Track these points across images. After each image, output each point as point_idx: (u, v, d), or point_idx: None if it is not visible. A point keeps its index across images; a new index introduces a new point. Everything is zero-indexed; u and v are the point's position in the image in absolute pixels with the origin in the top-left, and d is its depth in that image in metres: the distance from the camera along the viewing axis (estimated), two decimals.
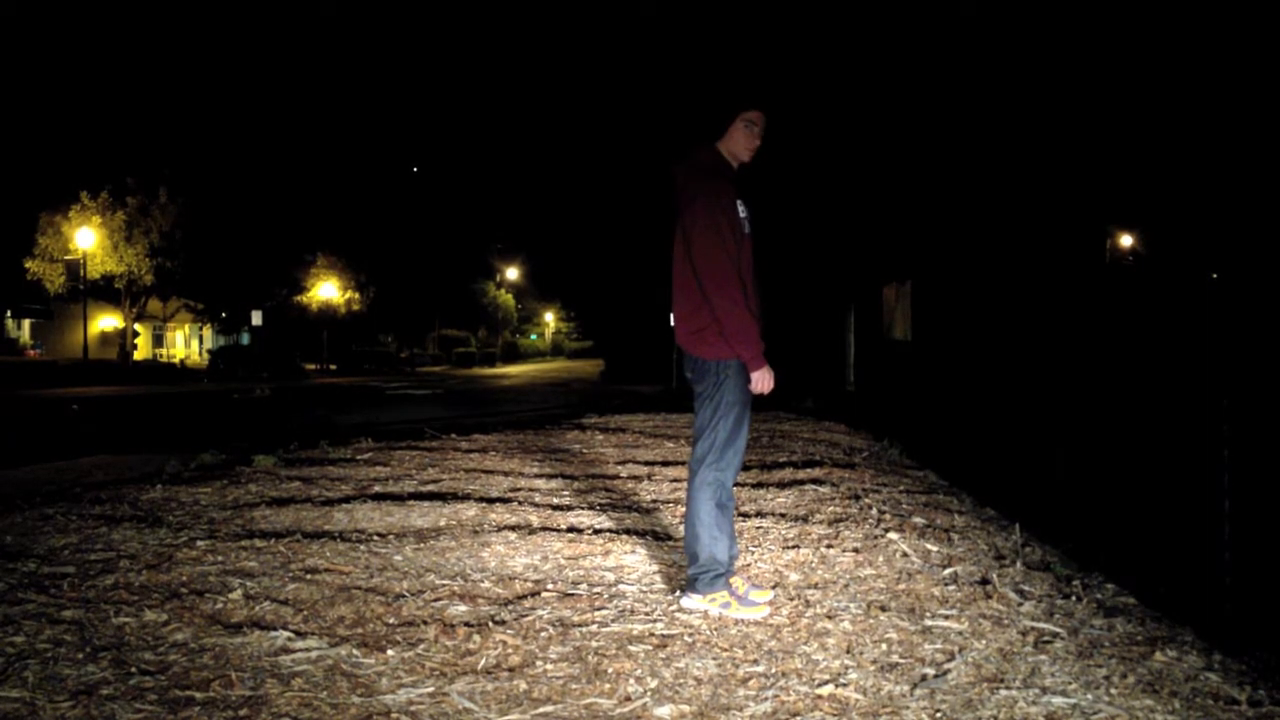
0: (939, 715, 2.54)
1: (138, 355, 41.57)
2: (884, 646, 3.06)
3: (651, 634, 3.16)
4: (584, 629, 3.21)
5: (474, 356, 60.71)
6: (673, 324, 3.57)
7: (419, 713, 2.54)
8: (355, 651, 2.95)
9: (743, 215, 3.42)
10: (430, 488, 5.94)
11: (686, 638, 3.13)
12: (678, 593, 3.58)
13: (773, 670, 2.85)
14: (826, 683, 2.75)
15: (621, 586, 3.74)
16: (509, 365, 61.34)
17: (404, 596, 3.54)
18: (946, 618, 3.36)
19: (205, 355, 48.66)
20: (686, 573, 3.51)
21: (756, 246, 3.51)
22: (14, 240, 35.91)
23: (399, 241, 53.34)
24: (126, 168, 36.70)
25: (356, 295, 50.20)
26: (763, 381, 3.36)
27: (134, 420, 14.35)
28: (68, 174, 35.70)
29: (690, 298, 3.43)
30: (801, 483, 6.10)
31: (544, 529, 4.72)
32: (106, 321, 44.63)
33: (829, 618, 3.34)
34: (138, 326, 40.94)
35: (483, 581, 3.80)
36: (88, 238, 34.12)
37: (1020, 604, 3.56)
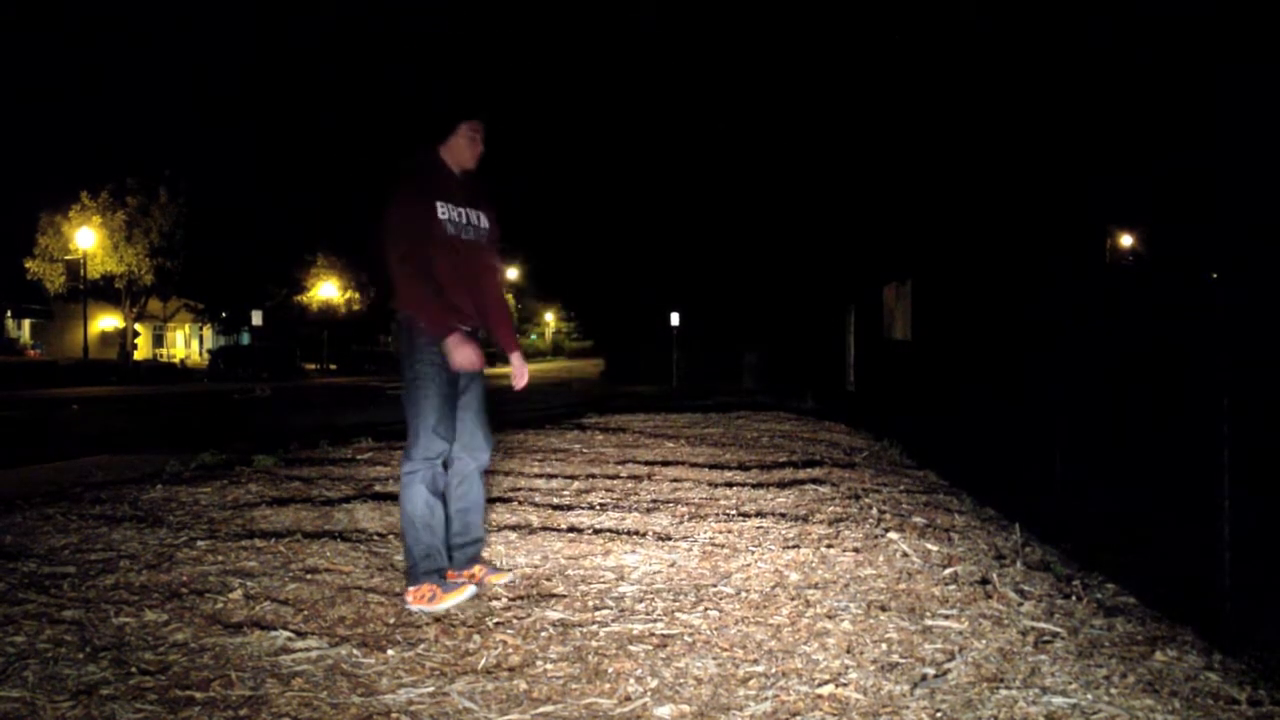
0: (939, 715, 2.54)
1: (138, 355, 41.54)
2: (884, 646, 3.06)
3: (651, 634, 3.16)
4: (584, 629, 3.21)
5: None
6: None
7: (419, 713, 2.54)
8: (355, 651, 2.95)
9: (452, 216, 3.59)
10: None
11: (686, 638, 3.13)
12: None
13: (773, 670, 2.85)
14: (826, 683, 2.75)
15: (622, 587, 3.74)
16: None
17: (404, 596, 3.54)
18: (946, 617, 3.36)
19: (205, 355, 48.63)
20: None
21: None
22: (14, 240, 35.93)
23: None
24: (126, 168, 36.73)
25: (356, 295, 50.18)
26: (457, 354, 3.46)
27: (134, 420, 14.34)
28: (68, 174, 35.74)
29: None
30: (801, 483, 6.10)
31: (544, 529, 4.72)
32: (106, 321, 44.61)
33: (829, 618, 3.33)
34: (138, 326, 40.92)
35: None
36: (88, 238, 34.10)
37: (1020, 604, 3.56)
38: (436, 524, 3.52)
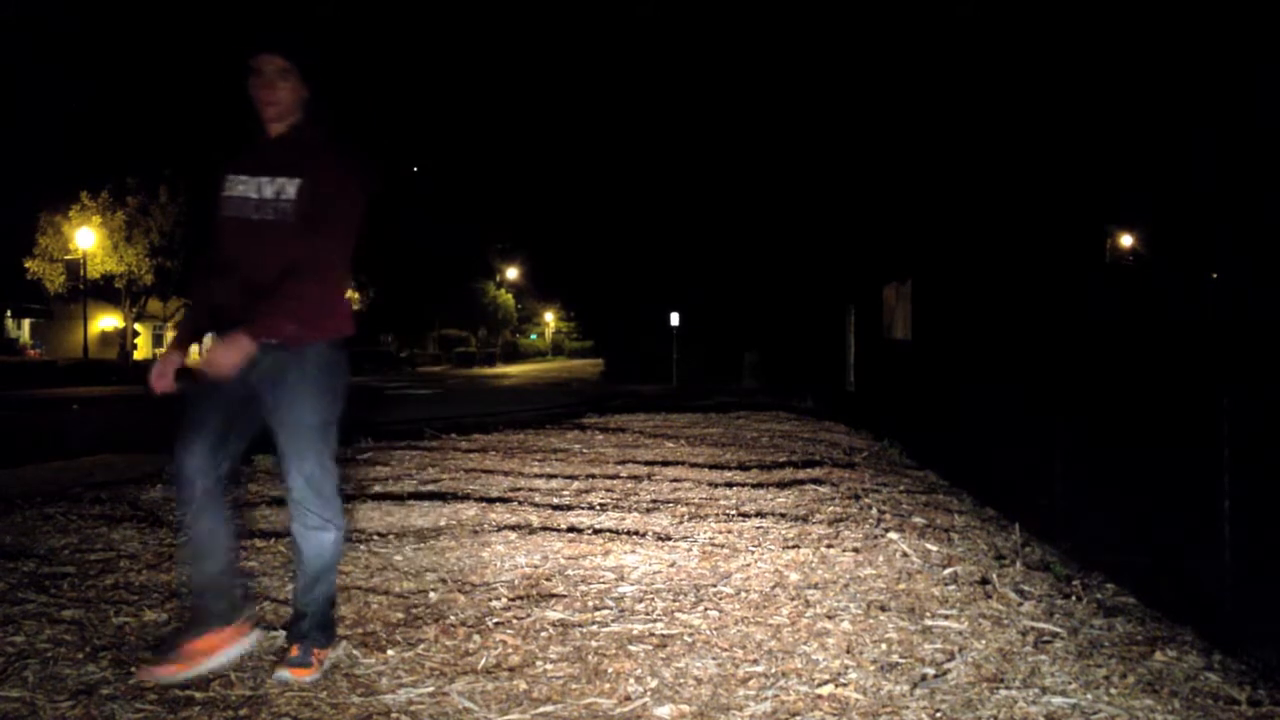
0: (939, 715, 2.54)
1: (138, 355, 41.50)
2: (884, 646, 3.06)
3: (651, 634, 3.16)
4: (584, 629, 3.21)
5: (474, 356, 60.60)
6: None
7: (419, 713, 2.54)
8: (355, 651, 2.95)
9: (238, 191, 2.80)
10: (430, 487, 5.94)
11: (686, 638, 3.13)
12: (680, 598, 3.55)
13: (773, 670, 2.85)
14: (826, 683, 2.75)
15: (622, 587, 3.74)
16: (509, 365, 61.29)
17: (404, 596, 3.54)
18: (946, 617, 3.36)
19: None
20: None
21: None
22: (14, 240, 35.89)
23: (399, 241, 53.29)
24: (126, 168, 36.68)
25: (356, 295, 50.19)
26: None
27: (134, 420, 14.34)
28: (68, 174, 35.68)
29: None
30: (801, 483, 6.10)
31: (544, 529, 4.72)
32: (106, 321, 44.58)
33: (829, 618, 3.33)
34: (138, 326, 40.91)
35: (482, 581, 3.80)
36: (88, 238, 34.10)
37: (1020, 604, 3.56)
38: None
